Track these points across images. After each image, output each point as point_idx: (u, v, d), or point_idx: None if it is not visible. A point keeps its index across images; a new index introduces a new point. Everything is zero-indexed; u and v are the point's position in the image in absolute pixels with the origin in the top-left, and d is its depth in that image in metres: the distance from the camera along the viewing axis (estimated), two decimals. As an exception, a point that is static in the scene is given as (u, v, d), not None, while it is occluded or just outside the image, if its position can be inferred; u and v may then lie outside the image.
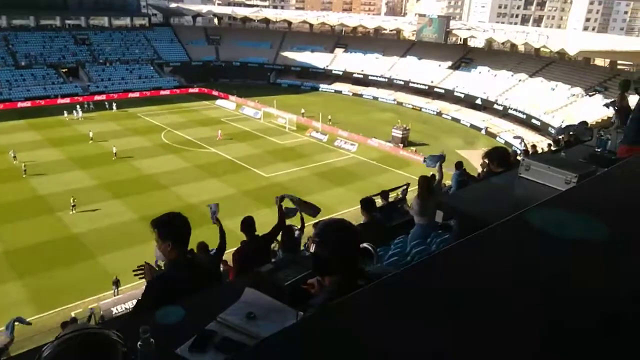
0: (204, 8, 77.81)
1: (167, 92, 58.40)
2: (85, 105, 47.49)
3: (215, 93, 57.65)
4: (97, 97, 52.24)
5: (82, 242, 21.87)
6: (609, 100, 5.55)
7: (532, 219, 0.97)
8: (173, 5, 75.90)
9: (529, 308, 0.76)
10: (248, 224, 5.70)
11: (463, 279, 0.86)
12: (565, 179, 3.13)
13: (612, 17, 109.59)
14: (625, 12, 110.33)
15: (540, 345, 0.71)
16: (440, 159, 7.31)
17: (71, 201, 24.55)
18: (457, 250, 0.96)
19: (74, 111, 44.77)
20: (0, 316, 16.22)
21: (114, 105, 48.50)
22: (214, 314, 1.97)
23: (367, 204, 7.47)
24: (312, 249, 1.94)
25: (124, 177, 29.82)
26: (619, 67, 47.44)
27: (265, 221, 7.28)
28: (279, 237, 6.74)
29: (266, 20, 73.27)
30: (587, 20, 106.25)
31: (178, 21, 75.86)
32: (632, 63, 48.06)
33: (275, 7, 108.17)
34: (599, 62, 51.13)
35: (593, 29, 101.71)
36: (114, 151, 33.27)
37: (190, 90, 59.89)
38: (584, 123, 13.31)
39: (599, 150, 4.94)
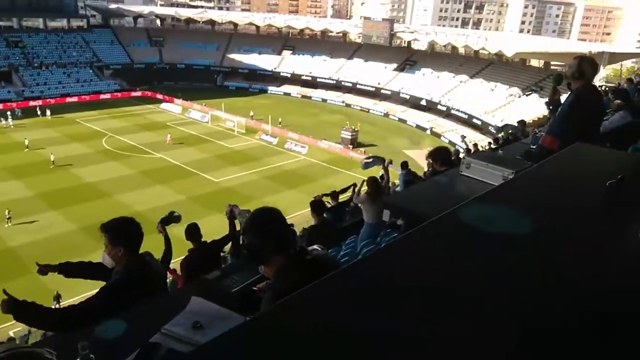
0: (145, 9, 75.40)
1: (108, 96, 56.04)
2: (17, 112, 44.35)
3: (159, 96, 55.97)
4: (32, 103, 49.29)
5: (19, 256, 20.56)
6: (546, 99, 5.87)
7: (462, 216, 1.01)
8: (112, 6, 73.00)
9: (451, 301, 0.78)
10: (192, 231, 5.54)
11: (394, 275, 0.88)
12: (503, 175, 3.28)
13: (545, 20, 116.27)
14: (557, 16, 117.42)
15: (472, 325, 0.73)
16: (377, 161, 7.48)
17: (6, 213, 23.05)
18: (387, 249, 0.98)
19: (2, 118, 41.85)
20: None
21: (48, 111, 45.58)
22: (158, 325, 1.90)
23: (316, 205, 7.50)
24: (242, 241, 1.96)
25: (63, 186, 28.33)
26: (552, 67, 50.35)
27: (216, 227, 7.15)
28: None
29: (211, 22, 72.01)
30: (523, 23, 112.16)
31: (118, 22, 73.11)
32: (564, 63, 51.18)
33: (220, 8, 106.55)
34: (534, 62, 54.13)
35: (528, 32, 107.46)
36: (52, 159, 31.55)
37: (133, 93, 57.81)
38: (522, 122, 14.04)
39: (534, 147, 5.21)
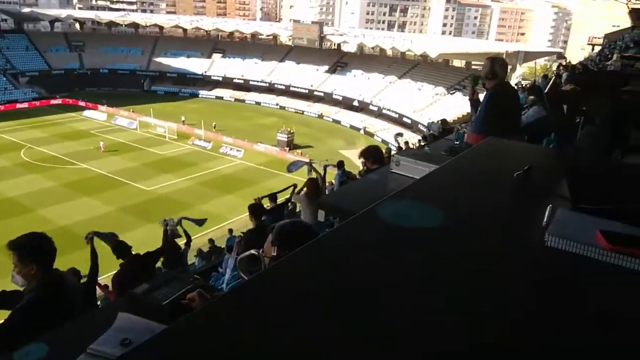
0: (62, 12, 70.98)
1: (25, 105, 52.08)
2: None
3: (82, 103, 52.89)
4: None
5: None
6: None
7: (379, 212, 1.04)
8: (26, 9, 68.16)
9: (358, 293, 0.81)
10: (118, 249, 5.30)
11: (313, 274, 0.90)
12: (429, 171, 3.42)
13: (465, 22, 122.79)
14: (475, 18, 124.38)
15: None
16: (302, 163, 7.62)
17: None
18: (308, 247, 1.00)
19: None
20: None
21: None
22: (84, 345, 1.80)
23: (255, 209, 7.42)
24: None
25: (-24, 203, 26.04)
26: (473, 67, 53.27)
27: (151, 237, 6.89)
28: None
29: (135, 25, 69.13)
30: (444, 25, 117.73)
31: (33, 27, 68.27)
32: (483, 63, 54.35)
33: (144, 11, 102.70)
34: (457, 63, 57.06)
35: (450, 33, 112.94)
36: (-38, 175, 28.93)
37: (53, 101, 54.19)
38: (443, 121, 14.78)
39: (457, 143, 5.49)
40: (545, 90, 7.01)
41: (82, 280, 5.50)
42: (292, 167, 7.99)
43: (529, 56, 51.09)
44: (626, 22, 33.92)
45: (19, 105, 51.38)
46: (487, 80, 4.19)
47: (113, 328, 1.79)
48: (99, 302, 5.96)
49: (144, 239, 5.90)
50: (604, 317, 0.82)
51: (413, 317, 0.77)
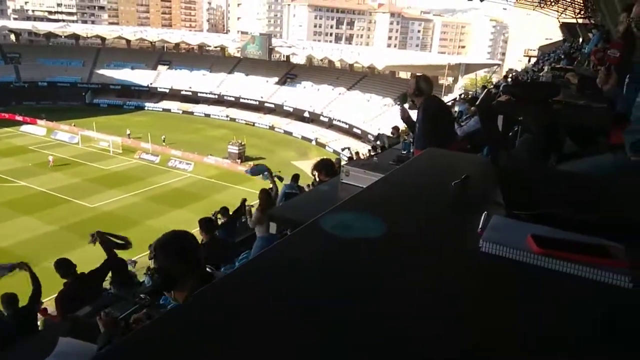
0: (-5, 22, 67.36)
1: (-46, 120, 48.75)
2: None
3: (19, 118, 50.06)
4: None
5: None
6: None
7: (322, 224, 1.07)
8: (-47, 19, 64.05)
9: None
10: (62, 267, 5.04)
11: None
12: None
13: (409, 35, 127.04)
14: (419, 31, 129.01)
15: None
16: (264, 169, 7.62)
17: None
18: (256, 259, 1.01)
19: None
20: None
21: None
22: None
23: (205, 224, 7.29)
24: (153, 264, 1.89)
25: None
26: (418, 78, 54.99)
27: (96, 256, 6.58)
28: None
29: (75, 36, 66.46)
30: (390, 38, 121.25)
31: (-37, 37, 64.24)
32: (428, 74, 56.37)
33: (84, 21, 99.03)
34: (403, 74, 58.78)
35: (395, 46, 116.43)
36: None
37: (-14, 116, 51.03)
38: (395, 128, 15.12)
39: (404, 152, 5.65)
40: (477, 102, 7.38)
41: (20, 305, 5.19)
42: (253, 170, 7.99)
43: (470, 68, 53.51)
44: (559, 35, 36.28)
45: (-53, 121, 47.94)
46: (415, 97, 4.43)
47: (54, 354, 1.71)
48: (40, 327, 5.63)
49: (89, 258, 5.63)
50: (534, 318, 0.87)
51: (349, 328, 0.80)
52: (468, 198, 1.37)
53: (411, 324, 0.79)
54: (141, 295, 2.47)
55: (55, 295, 5.02)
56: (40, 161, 36.47)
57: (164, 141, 42.31)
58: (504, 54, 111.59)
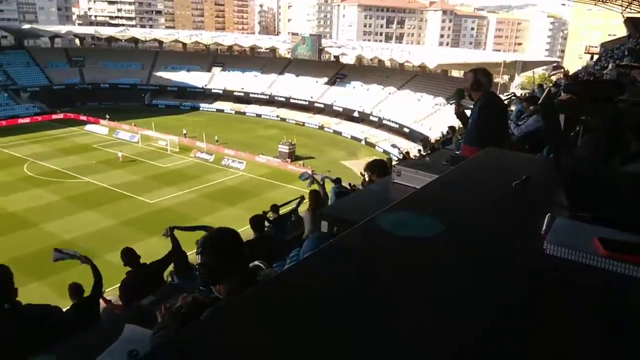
0: (62, 28, 71.70)
1: (27, 120, 52.39)
2: None
3: (83, 118, 53.17)
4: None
5: None
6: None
7: (379, 222, 1.08)
8: (26, 26, 68.80)
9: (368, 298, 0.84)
10: (127, 255, 5.33)
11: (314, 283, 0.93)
12: (430, 180, 3.46)
13: (462, 33, 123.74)
14: (472, 28, 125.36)
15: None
16: (306, 176, 7.75)
17: None
18: (314, 256, 1.03)
19: None
20: None
21: None
22: (92, 356, 1.82)
23: (255, 222, 7.42)
24: (198, 260, 1.97)
25: (-21, 219, 26.04)
26: (471, 77, 53.51)
27: (155, 249, 6.90)
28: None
29: (134, 40, 69.74)
30: (442, 36, 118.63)
31: (34, 43, 68.87)
32: (465, 76, 54.72)
33: (143, 26, 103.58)
34: (455, 73, 57.36)
35: (447, 44, 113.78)
36: (-35, 190, 28.97)
37: (54, 116, 54.48)
38: (451, 128, 14.84)
39: (457, 152, 5.53)
40: (539, 101, 7.07)
41: (84, 295, 5.51)
42: (302, 176, 8.26)
43: (526, 66, 51.43)
44: (622, 31, 34.21)
45: (20, 121, 51.65)
46: (473, 91, 4.24)
47: (120, 339, 1.82)
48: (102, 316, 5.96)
49: (148, 252, 5.92)
50: (605, 322, 0.84)
51: (414, 326, 0.80)
52: (529, 199, 1.33)
53: (470, 328, 0.79)
54: (201, 287, 2.57)
55: (118, 285, 5.33)
56: (103, 159, 38.58)
57: (217, 141, 43.57)
58: (563, 51, 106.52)
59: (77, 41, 72.21)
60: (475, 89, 4.20)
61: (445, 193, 1.38)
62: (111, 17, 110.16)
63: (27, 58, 62.26)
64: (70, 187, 31.57)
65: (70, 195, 29.90)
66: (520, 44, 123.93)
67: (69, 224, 25.48)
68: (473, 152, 3.90)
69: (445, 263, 0.97)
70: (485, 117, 4.14)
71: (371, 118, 51.87)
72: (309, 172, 8.32)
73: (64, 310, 5.08)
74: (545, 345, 0.78)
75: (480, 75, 4.21)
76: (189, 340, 0.85)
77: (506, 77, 51.76)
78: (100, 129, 49.44)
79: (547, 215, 1.14)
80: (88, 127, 50.46)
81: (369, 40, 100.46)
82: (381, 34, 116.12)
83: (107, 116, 51.13)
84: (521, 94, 23.56)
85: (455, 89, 4.77)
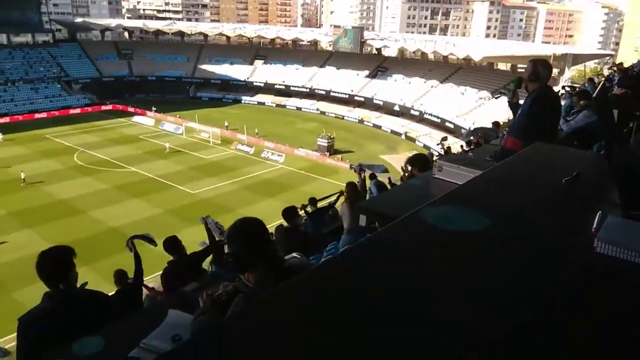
0: (112, 22, 74.46)
1: (78, 110, 54.93)
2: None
3: (131, 109, 55.14)
4: (0, 120, 48.12)
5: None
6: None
7: (424, 215, 1.06)
8: (79, 20, 71.84)
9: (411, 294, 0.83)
10: (170, 243, 5.49)
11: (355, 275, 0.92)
12: (472, 177, 3.37)
13: (510, 25, 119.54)
14: (521, 20, 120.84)
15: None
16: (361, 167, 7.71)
17: (-27, 235, 22.29)
18: (354, 249, 1.02)
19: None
20: None
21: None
22: (137, 340, 1.90)
23: (287, 213, 7.47)
24: (227, 250, 2.00)
25: (35, 204, 27.52)
26: (519, 69, 51.73)
27: (195, 239, 7.09)
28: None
29: (180, 33, 71.50)
30: (488, 28, 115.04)
31: (85, 36, 71.95)
32: (526, 65, 52.65)
33: (189, 19, 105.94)
34: (502, 66, 55.58)
35: (494, 36, 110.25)
36: (22, 177, 30.66)
37: (104, 107, 56.82)
38: (495, 124, 14.41)
39: (502, 148, 5.35)
40: (594, 95, 6.73)
41: (128, 280, 5.75)
42: (360, 167, 8.29)
43: (578, 59, 49.12)
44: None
45: (72, 111, 54.22)
46: (530, 82, 4.06)
47: (164, 324, 1.89)
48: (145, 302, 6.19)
49: (190, 240, 6.09)
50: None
51: (459, 319, 0.79)
52: (580, 196, 1.27)
53: (515, 322, 0.77)
54: (241, 276, 2.62)
55: (158, 274, 5.51)
56: (149, 149, 39.92)
57: (257, 133, 44.15)
58: (617, 43, 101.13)
59: (126, 34, 74.82)
60: (533, 80, 4.03)
61: (491, 188, 1.34)
62: (159, 11, 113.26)
63: (79, 51, 65.08)
64: (117, 176, 32.87)
65: (117, 184, 31.14)
66: (571, 36, 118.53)
67: (115, 211, 26.56)
68: (516, 145, 3.76)
69: (491, 258, 0.94)
70: (536, 110, 3.97)
71: (412, 112, 51.11)
72: (360, 166, 8.30)
73: (110, 295, 5.33)
74: (589, 341, 0.75)
75: (540, 67, 4.03)
76: (227, 327, 0.87)
77: (556, 71, 49.67)
78: (146, 120, 51.13)
79: (598, 213, 1.09)
80: (135, 118, 52.30)
81: (412, 32, 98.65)
82: (425, 25, 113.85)
83: (154, 108, 52.79)
84: (571, 89, 22.54)
85: (515, 77, 4.61)
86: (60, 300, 2.79)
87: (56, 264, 2.91)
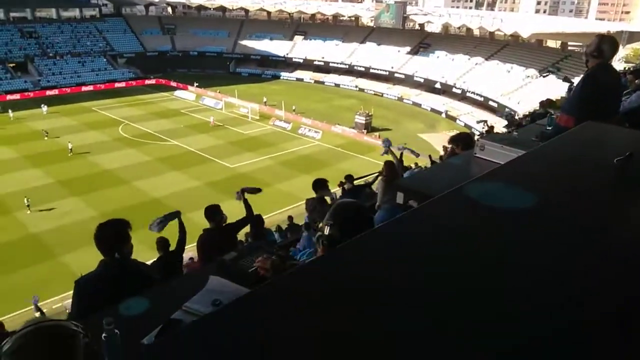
0: (157, -3, 75.45)
1: (123, 84, 56.54)
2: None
3: (173, 84, 56.24)
4: (48, 92, 50.18)
5: (42, 242, 21.11)
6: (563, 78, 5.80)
7: (468, 191, 1.04)
8: (124, -6, 73.23)
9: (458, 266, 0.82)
10: (211, 211, 5.65)
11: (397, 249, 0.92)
12: (516, 157, 3.27)
13: (562, 0, 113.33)
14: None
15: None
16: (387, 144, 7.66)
17: (25, 201, 23.57)
18: (394, 223, 1.02)
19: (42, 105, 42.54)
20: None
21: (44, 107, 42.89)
22: (179, 303, 1.98)
23: (316, 184, 7.52)
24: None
25: (82, 173, 28.81)
26: (569, 48, 49.25)
27: (232, 212, 7.25)
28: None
29: (222, 9, 71.75)
30: (538, 3, 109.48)
31: (130, 11, 73.26)
32: (582, 44, 50.01)
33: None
34: (551, 43, 52.94)
35: (544, 12, 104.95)
36: (70, 147, 32.06)
37: (147, 81, 58.16)
38: (545, 102, 13.85)
39: (549, 128, 5.15)
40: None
41: (170, 249, 5.95)
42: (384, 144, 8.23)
43: (633, 37, 46.11)
44: None
45: (117, 85, 55.86)
46: (592, 57, 3.86)
47: (205, 289, 1.96)
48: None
49: (227, 213, 6.23)
50: None
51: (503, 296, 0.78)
52: (632, 177, 1.22)
53: (559, 301, 0.75)
54: (277, 248, 2.68)
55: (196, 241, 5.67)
56: (190, 123, 40.76)
57: (294, 110, 44.15)
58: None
59: (170, 9, 75.72)
60: (595, 56, 3.83)
61: (538, 166, 1.30)
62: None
63: (124, 25, 66.56)
64: (159, 149, 33.83)
65: (159, 157, 32.08)
66: (627, 12, 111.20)
67: (157, 183, 27.45)
68: (569, 122, 3.61)
69: (538, 235, 0.92)
70: (587, 87, 3.79)
71: (454, 90, 49.72)
72: (388, 142, 8.20)
73: (151, 262, 5.57)
74: (633, 326, 0.73)
75: (605, 44, 3.82)
76: (263, 295, 0.89)
77: (610, 49, 46.95)
78: (188, 95, 52.07)
79: (652, 195, 1.04)
80: (177, 92, 53.34)
81: (458, 7, 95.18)
82: (471, 0, 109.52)
83: (196, 83, 53.62)
84: (626, 68, 21.30)
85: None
86: (114, 268, 2.98)
87: (114, 235, 3.13)
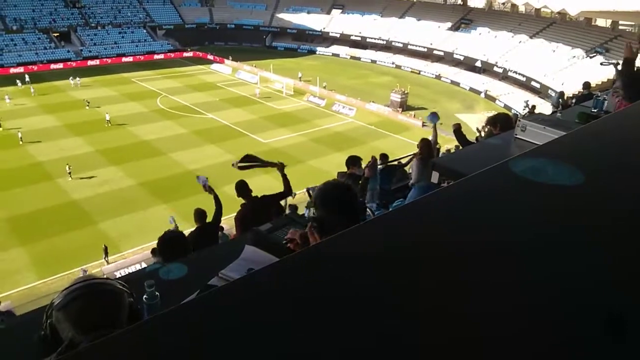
0: (196, -32, 75.42)
1: (162, 56, 57.34)
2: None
3: (210, 57, 56.65)
4: (90, 62, 51.51)
5: (82, 208, 22.02)
6: (608, 61, 5.52)
7: (511, 167, 1.02)
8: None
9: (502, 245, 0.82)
10: (240, 187, 5.84)
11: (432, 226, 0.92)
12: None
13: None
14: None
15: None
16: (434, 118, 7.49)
17: (67, 168, 24.53)
18: (428, 198, 1.02)
19: (71, 77, 43.72)
20: (3, 282, 16.54)
21: (77, 79, 43.47)
22: (215, 270, 2.04)
23: (348, 160, 7.48)
24: (313, 213, 1.99)
25: (121, 143, 29.68)
26: (620, 27, 46.58)
27: (265, 186, 7.36)
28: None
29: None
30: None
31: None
32: (633, 23, 47.18)
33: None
34: (601, 22, 50.13)
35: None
36: (107, 118, 32.91)
37: (185, 54, 58.82)
38: (586, 84, 13.24)
39: (595, 110, 4.94)
40: None
41: (207, 220, 6.17)
42: (431, 118, 8.07)
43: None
44: None
45: (156, 56, 56.70)
46: None
47: (241, 258, 2.02)
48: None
49: (260, 186, 6.37)
50: None
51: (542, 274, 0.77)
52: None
53: (602, 279, 0.74)
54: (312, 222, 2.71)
55: (234, 214, 5.85)
56: (226, 97, 41.13)
57: (324, 87, 43.69)
58: None
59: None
60: None
61: (586, 144, 1.25)
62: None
63: (164, -4, 67.15)
64: (196, 122, 34.39)
65: (195, 130, 32.64)
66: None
67: (193, 155, 28.01)
68: (621, 104, 3.48)
69: (586, 213, 0.89)
70: (627, 69, 3.63)
71: (495, 69, 48.06)
72: (436, 117, 8.08)
73: (189, 232, 5.80)
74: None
75: None
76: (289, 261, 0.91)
77: (667, 29, 44.19)
78: (224, 68, 52.40)
79: None
80: (214, 66, 53.75)
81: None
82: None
83: (230, 57, 53.84)
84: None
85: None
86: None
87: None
